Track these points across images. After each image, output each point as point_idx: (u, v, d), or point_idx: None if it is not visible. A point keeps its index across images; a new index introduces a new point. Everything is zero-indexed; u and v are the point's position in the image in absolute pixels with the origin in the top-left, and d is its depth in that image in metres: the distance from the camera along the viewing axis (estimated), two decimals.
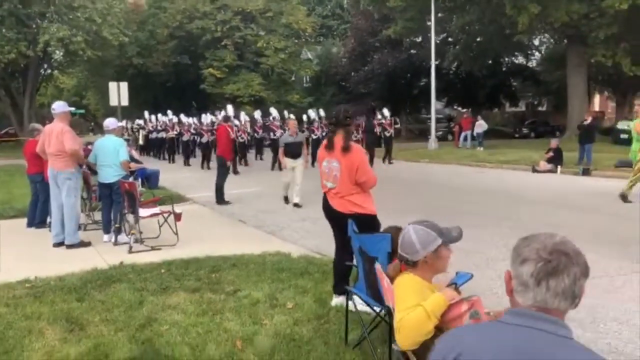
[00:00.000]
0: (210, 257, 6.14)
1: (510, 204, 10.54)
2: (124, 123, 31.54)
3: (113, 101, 15.37)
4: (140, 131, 27.89)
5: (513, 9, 22.28)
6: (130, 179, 12.17)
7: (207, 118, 21.90)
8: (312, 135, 19.79)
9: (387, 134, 19.70)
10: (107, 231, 7.40)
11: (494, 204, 10.58)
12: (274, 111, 22.16)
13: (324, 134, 21.45)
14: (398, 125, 21.74)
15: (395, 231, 3.34)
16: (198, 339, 3.83)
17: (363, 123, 18.65)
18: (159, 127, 25.22)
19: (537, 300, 1.37)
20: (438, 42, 39.05)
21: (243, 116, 21.94)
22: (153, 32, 40.26)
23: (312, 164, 14.09)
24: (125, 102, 15.58)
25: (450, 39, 37.92)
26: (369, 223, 4.20)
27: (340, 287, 4.38)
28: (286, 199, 10.92)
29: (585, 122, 16.34)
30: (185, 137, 22.21)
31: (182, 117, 24.71)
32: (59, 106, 7.16)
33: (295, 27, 39.59)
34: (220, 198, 11.02)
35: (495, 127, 45.72)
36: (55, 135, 6.80)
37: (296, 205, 10.22)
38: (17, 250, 6.98)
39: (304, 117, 21.85)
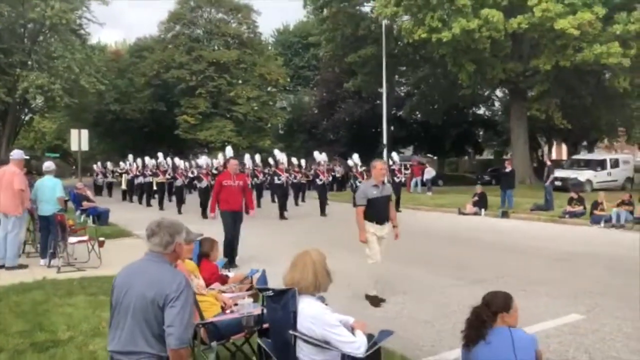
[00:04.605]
0: None
1: (414, 239, 12.04)
2: (109, 165, 30.90)
3: (74, 146, 16.82)
4: (124, 175, 26.52)
5: (454, 67, 24.53)
6: (83, 217, 13.55)
7: (202, 161, 20.86)
8: (317, 180, 18.76)
9: (397, 180, 18.19)
10: (43, 256, 8.80)
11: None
12: (278, 153, 20.84)
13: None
14: (409, 171, 20.87)
15: (204, 239, 4.89)
16: (76, 320, 5.25)
17: None
18: (145, 172, 22.65)
19: (150, 247, 2.91)
20: (402, 94, 41.68)
21: (248, 159, 21.31)
22: (132, 80, 42.27)
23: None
24: (85, 147, 17.04)
25: (416, 91, 40.31)
26: None
27: None
28: (375, 300, 6.63)
29: (506, 170, 18.18)
30: (179, 182, 19.78)
31: (177, 160, 22.52)
32: (15, 154, 8.80)
33: (267, 78, 41.84)
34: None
35: (463, 174, 48.08)
36: (7, 177, 8.28)
37: (378, 301, 6.59)
38: None
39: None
